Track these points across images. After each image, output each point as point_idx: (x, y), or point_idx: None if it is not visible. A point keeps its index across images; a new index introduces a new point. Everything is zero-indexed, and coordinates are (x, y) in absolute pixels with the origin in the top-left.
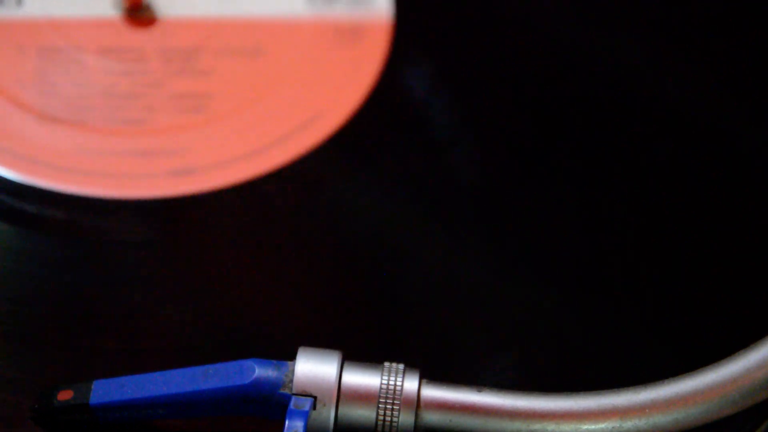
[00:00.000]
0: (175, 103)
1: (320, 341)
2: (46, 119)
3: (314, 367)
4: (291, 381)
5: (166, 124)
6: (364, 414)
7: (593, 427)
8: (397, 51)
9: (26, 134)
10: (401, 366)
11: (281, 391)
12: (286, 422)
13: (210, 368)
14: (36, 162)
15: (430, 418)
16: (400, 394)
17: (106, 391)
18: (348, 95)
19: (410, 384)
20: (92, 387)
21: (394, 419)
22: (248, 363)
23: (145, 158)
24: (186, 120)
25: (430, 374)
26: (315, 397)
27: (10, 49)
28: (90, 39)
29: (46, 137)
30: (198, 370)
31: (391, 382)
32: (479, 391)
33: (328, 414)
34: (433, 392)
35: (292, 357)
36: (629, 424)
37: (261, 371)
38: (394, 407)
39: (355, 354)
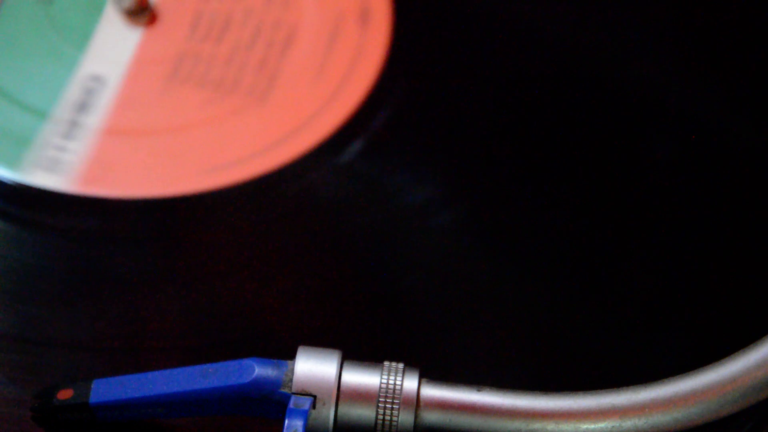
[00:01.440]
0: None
1: (320, 340)
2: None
3: (314, 367)
4: (291, 380)
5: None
6: (364, 413)
7: (593, 426)
8: (397, 50)
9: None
10: (401, 365)
11: (281, 390)
12: (286, 421)
13: (210, 367)
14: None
15: (430, 417)
16: (400, 394)
17: (106, 390)
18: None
19: (410, 383)
20: (92, 386)
21: (394, 418)
22: (248, 362)
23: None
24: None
25: (430, 373)
26: (315, 396)
27: None
28: None
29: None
30: (198, 370)
31: (391, 382)
32: (479, 390)
33: (327, 413)
34: (433, 391)
35: (292, 356)
36: (629, 423)
37: (261, 370)
38: (394, 406)
39: (354, 353)
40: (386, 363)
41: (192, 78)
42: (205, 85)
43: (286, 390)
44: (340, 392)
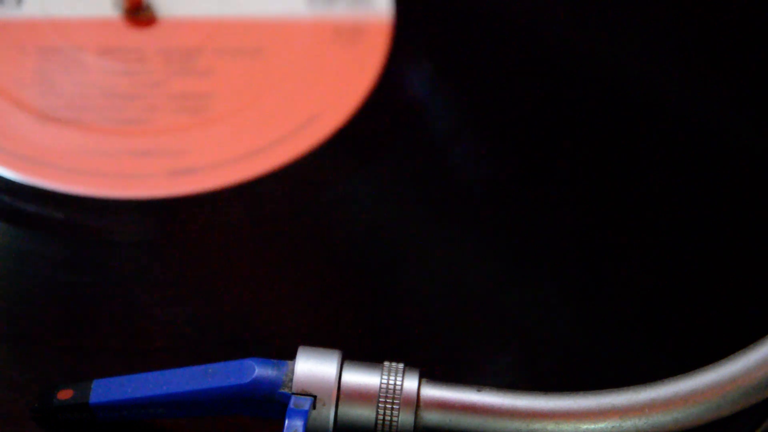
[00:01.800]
0: (176, 103)
1: (320, 340)
2: (46, 119)
3: (314, 367)
4: (291, 380)
5: (167, 125)
6: (364, 413)
7: (593, 426)
8: (397, 50)
9: (26, 134)
10: (401, 365)
11: (281, 390)
12: (286, 421)
13: (210, 368)
14: (36, 162)
15: (430, 417)
16: (400, 394)
17: (105, 390)
18: (348, 95)
19: (410, 383)
20: (92, 386)
21: (394, 418)
22: (248, 362)
23: (145, 158)
24: (186, 120)
25: (430, 373)
26: (315, 397)
27: (10, 49)
28: (90, 39)
29: (47, 137)
30: (198, 370)
31: (391, 382)
32: (479, 390)
33: (327, 413)
34: (433, 391)
35: (292, 356)
36: (629, 423)
37: (261, 371)
38: (394, 407)
39: (354, 353)
40: (386, 363)
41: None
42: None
43: (286, 390)
44: (340, 392)
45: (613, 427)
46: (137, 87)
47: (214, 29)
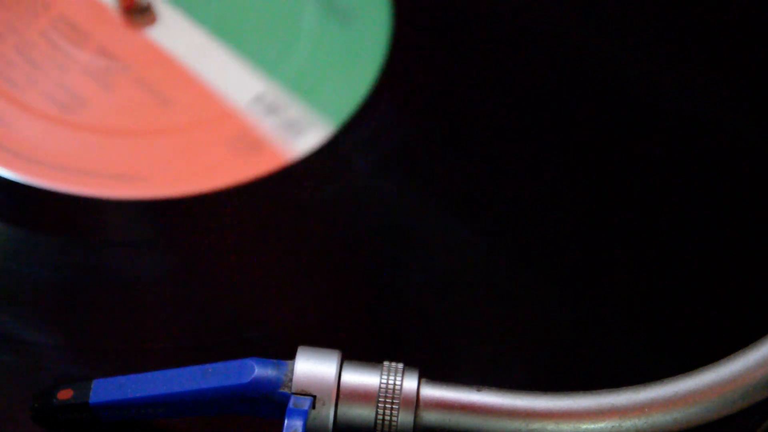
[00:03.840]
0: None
1: (320, 340)
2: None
3: (314, 367)
4: (290, 380)
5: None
6: (364, 413)
7: (592, 426)
8: (397, 51)
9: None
10: (400, 365)
11: (281, 390)
12: (286, 421)
13: (209, 367)
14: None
15: (430, 417)
16: (400, 394)
17: (105, 390)
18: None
19: (409, 383)
20: (92, 386)
21: (394, 418)
22: (248, 362)
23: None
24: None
25: (430, 373)
26: (314, 397)
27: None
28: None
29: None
30: (197, 370)
31: (391, 382)
32: (479, 390)
33: (327, 413)
34: (433, 391)
35: (292, 356)
36: (628, 423)
37: (260, 370)
38: (394, 406)
39: (354, 353)
40: (386, 363)
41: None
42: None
43: (285, 390)
44: (340, 392)
45: (612, 427)
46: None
47: (162, 61)
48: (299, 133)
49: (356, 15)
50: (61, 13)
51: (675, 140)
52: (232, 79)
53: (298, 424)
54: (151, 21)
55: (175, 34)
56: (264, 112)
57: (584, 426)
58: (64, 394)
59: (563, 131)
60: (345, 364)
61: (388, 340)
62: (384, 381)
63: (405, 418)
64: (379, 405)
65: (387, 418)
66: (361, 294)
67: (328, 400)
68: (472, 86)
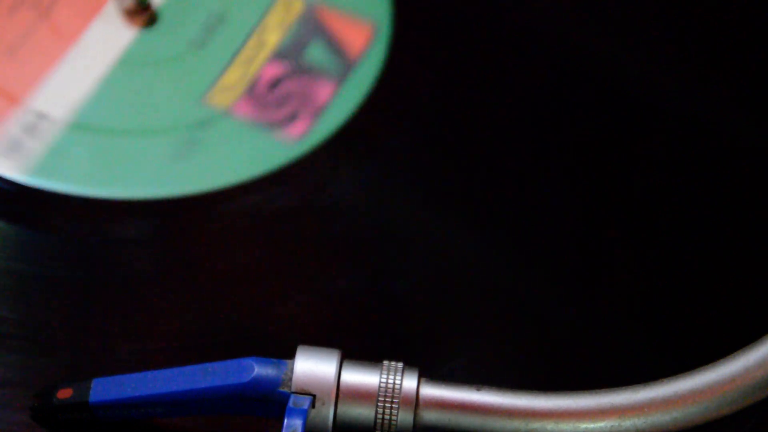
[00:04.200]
0: None
1: (319, 340)
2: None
3: (313, 366)
4: (290, 379)
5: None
6: (363, 412)
7: (592, 426)
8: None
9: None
10: (400, 365)
11: (280, 389)
12: (285, 420)
13: (209, 367)
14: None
15: (429, 416)
16: (399, 393)
17: (105, 389)
18: None
19: (409, 382)
20: (91, 385)
21: (393, 418)
22: (247, 361)
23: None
24: None
25: (430, 373)
26: (314, 396)
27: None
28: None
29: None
30: (197, 369)
31: (390, 381)
32: (478, 389)
33: (327, 412)
34: (432, 391)
35: (292, 355)
36: (628, 423)
37: (260, 370)
38: (393, 406)
39: (354, 352)
40: (385, 362)
41: None
42: None
43: (285, 389)
44: (340, 391)
45: (612, 426)
46: None
47: None
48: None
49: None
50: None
51: (675, 140)
52: None
53: (298, 423)
54: (151, 21)
55: None
56: None
57: (584, 426)
58: (64, 394)
59: (563, 131)
60: (345, 364)
61: (388, 339)
62: (384, 380)
63: (405, 417)
64: (379, 404)
65: (387, 417)
66: (361, 294)
67: (328, 400)
68: (472, 86)
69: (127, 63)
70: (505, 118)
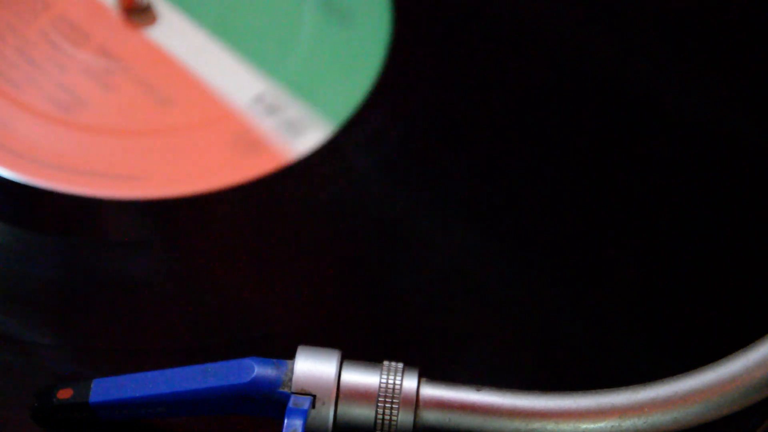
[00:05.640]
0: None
1: (319, 340)
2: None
3: (313, 366)
4: (290, 380)
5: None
6: (364, 412)
7: (592, 426)
8: (397, 51)
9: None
10: (400, 365)
11: (280, 389)
12: (285, 421)
13: (209, 367)
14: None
15: (429, 416)
16: (399, 393)
17: (105, 389)
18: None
19: (409, 383)
20: (92, 386)
21: (393, 418)
22: (247, 362)
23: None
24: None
25: (430, 373)
26: (314, 396)
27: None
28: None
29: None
30: (197, 369)
31: (390, 381)
32: (478, 390)
33: (327, 412)
34: (433, 391)
35: (292, 356)
36: (628, 423)
37: (260, 370)
38: (393, 406)
39: (354, 353)
40: (386, 362)
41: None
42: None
43: (285, 389)
44: (340, 392)
45: (612, 426)
46: None
47: (161, 61)
48: (299, 133)
49: (356, 15)
50: (60, 13)
51: (675, 140)
52: (232, 79)
53: (298, 423)
54: (151, 21)
55: (175, 34)
56: (264, 113)
57: (584, 426)
58: (64, 394)
59: (563, 131)
60: (345, 364)
61: (388, 339)
62: (384, 380)
63: (405, 417)
64: (379, 404)
65: (387, 417)
66: (361, 294)
67: (328, 400)
68: (471, 86)
69: None
70: (506, 117)
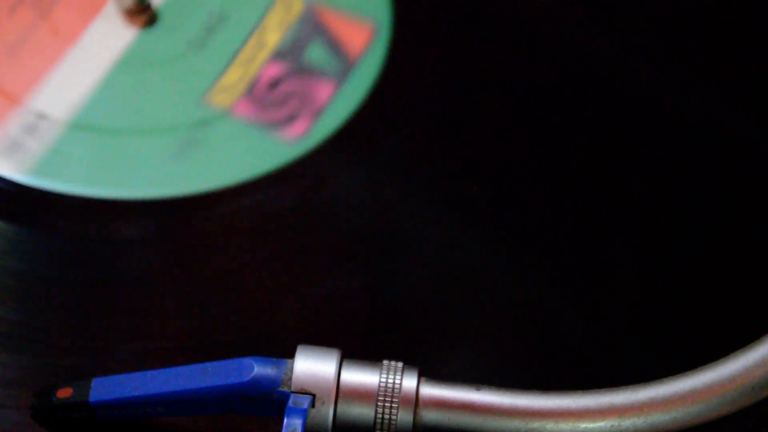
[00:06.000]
0: None
1: (319, 339)
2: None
3: (313, 365)
4: (290, 379)
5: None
6: (363, 412)
7: (592, 425)
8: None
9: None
10: (400, 364)
11: (280, 389)
12: (285, 420)
13: (209, 366)
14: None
15: (429, 416)
16: (399, 393)
17: (105, 388)
18: None
19: (409, 382)
20: (91, 385)
21: (393, 417)
22: (247, 361)
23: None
24: None
25: (429, 372)
26: (314, 395)
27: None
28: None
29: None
30: (197, 368)
31: (390, 381)
32: (478, 389)
33: (326, 412)
34: (432, 390)
35: (291, 355)
36: (628, 422)
37: (260, 369)
38: (393, 405)
39: (354, 352)
40: (385, 362)
41: None
42: None
43: (285, 389)
44: (339, 391)
45: (612, 426)
46: None
47: None
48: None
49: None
50: None
51: (675, 140)
52: None
53: (298, 422)
54: (152, 21)
55: None
56: None
57: (583, 425)
58: (64, 393)
59: (563, 132)
60: (344, 363)
61: (388, 339)
62: (383, 380)
63: (404, 417)
64: (379, 404)
65: (386, 416)
66: (361, 294)
67: (328, 399)
68: (472, 87)
69: (128, 63)
70: (505, 118)
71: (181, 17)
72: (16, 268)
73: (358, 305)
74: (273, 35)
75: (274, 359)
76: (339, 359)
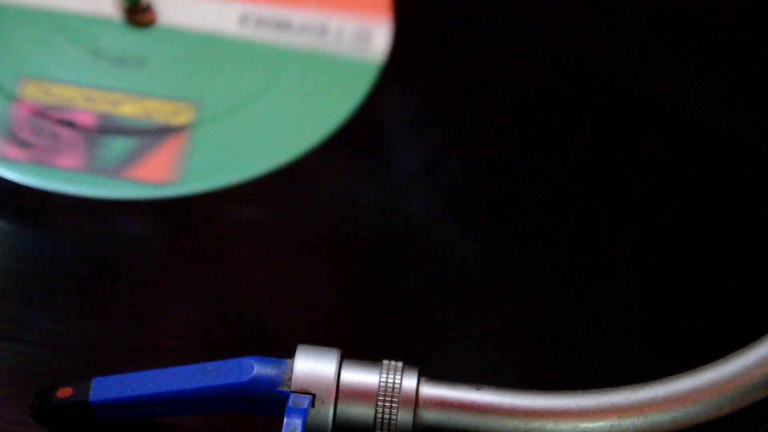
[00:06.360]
0: None
1: (319, 339)
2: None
3: (313, 365)
4: (290, 379)
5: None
6: (363, 412)
7: (592, 425)
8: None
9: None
10: (400, 364)
11: (280, 388)
12: (285, 420)
13: (209, 366)
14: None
15: (429, 416)
16: (399, 392)
17: (105, 388)
18: None
19: (409, 382)
20: (91, 384)
21: (393, 417)
22: (247, 361)
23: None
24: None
25: (429, 372)
26: (314, 395)
27: None
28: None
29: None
30: (197, 368)
31: (390, 380)
32: (478, 389)
33: (326, 412)
34: (432, 390)
35: (291, 355)
36: (628, 422)
37: (260, 369)
38: (393, 405)
39: (354, 352)
40: (385, 362)
41: None
42: None
43: (285, 388)
44: (339, 391)
45: (611, 426)
46: None
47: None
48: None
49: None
50: None
51: (675, 140)
52: None
53: (298, 422)
54: (152, 21)
55: None
56: None
57: (583, 425)
58: (64, 393)
59: (563, 131)
60: (344, 363)
61: (388, 338)
62: (383, 380)
63: (404, 416)
64: (379, 404)
65: (386, 416)
66: (361, 293)
67: (328, 399)
68: (472, 87)
69: None
70: (506, 118)
71: None
72: (16, 268)
73: (358, 305)
74: None
75: (274, 359)
76: (339, 359)
